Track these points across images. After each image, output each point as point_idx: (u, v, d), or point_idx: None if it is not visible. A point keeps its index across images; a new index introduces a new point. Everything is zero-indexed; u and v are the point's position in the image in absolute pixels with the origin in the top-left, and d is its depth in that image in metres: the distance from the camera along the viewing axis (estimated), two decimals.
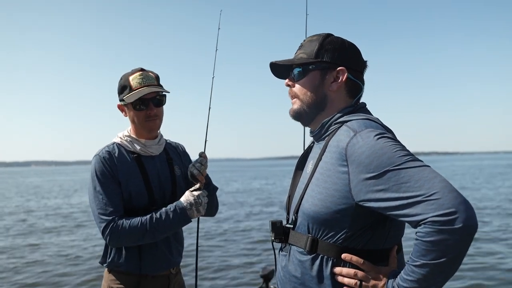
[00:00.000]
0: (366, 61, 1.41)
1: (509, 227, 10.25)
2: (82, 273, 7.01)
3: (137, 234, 1.79)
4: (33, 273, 7.12)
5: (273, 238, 1.38)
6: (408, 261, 1.12)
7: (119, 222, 1.79)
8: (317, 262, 1.25)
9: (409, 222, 1.09)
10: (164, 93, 1.97)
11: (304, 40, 1.43)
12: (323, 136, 1.36)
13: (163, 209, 1.86)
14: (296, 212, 1.33)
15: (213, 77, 2.35)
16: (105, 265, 1.95)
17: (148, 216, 1.82)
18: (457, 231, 1.00)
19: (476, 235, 1.06)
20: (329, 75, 1.36)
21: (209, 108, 2.31)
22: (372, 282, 1.20)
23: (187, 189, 1.96)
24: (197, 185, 1.94)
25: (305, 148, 1.54)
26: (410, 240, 1.18)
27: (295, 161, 1.53)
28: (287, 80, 1.43)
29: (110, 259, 1.92)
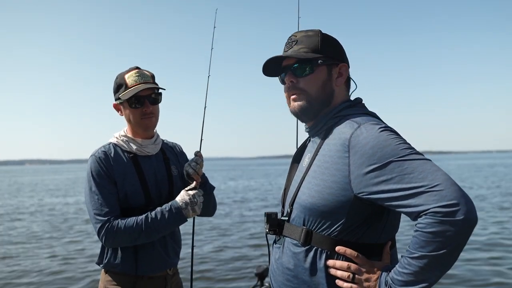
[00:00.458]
0: None
1: None
2: (79, 273, 6.98)
3: (132, 234, 1.78)
4: (31, 274, 7.08)
5: (267, 230, 1.38)
6: (403, 255, 1.13)
7: (114, 222, 1.78)
8: (311, 254, 1.25)
9: (409, 213, 1.09)
10: (159, 91, 1.97)
11: (295, 36, 1.39)
12: (320, 130, 1.36)
13: (158, 208, 1.85)
14: (292, 204, 1.33)
15: (208, 76, 2.33)
16: (101, 265, 1.94)
17: (143, 216, 1.81)
18: (458, 222, 1.01)
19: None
20: (333, 71, 1.37)
21: (205, 107, 2.30)
22: (365, 275, 1.20)
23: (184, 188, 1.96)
24: (193, 184, 1.93)
25: (299, 145, 1.54)
26: (400, 240, 1.18)
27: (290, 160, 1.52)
28: (288, 76, 1.37)
29: (106, 259, 1.91)
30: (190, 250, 2.18)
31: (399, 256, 1.25)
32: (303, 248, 1.26)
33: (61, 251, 8.67)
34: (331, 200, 1.21)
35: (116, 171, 1.88)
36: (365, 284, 1.19)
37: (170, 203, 1.88)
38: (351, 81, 1.43)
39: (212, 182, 2.17)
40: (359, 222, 1.22)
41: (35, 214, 15.30)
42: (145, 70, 2.00)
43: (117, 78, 1.97)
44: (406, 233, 7.68)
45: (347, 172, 1.18)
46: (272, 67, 1.42)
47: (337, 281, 1.22)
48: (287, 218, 1.35)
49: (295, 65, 1.35)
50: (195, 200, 1.88)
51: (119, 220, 1.79)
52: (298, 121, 1.98)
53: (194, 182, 1.94)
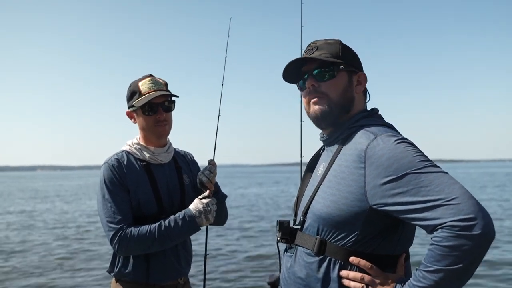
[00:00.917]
0: None
1: None
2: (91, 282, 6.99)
3: (146, 242, 1.77)
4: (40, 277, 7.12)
5: (279, 238, 1.37)
6: (418, 267, 1.10)
7: (127, 230, 1.77)
8: (324, 264, 1.23)
9: (425, 226, 1.08)
10: (173, 99, 1.98)
11: (315, 43, 1.39)
12: (336, 140, 1.35)
13: (172, 217, 1.84)
14: (305, 213, 1.32)
15: (222, 85, 2.32)
16: (112, 274, 1.93)
17: (156, 224, 1.80)
18: (475, 237, 1.00)
19: None
20: (354, 78, 1.37)
21: (218, 115, 2.29)
22: (379, 287, 1.18)
23: (196, 197, 1.94)
24: (206, 193, 1.92)
25: (303, 153, 1.53)
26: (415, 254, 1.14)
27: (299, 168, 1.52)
28: (310, 81, 1.35)
29: (117, 268, 1.90)
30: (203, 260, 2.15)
31: (412, 269, 1.23)
32: (317, 258, 1.25)
33: (70, 258, 8.70)
34: (347, 211, 1.19)
35: (129, 179, 1.88)
36: None
37: (183, 211, 1.87)
38: (367, 93, 1.44)
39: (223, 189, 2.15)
40: (374, 234, 1.21)
41: (47, 221, 15.41)
42: (159, 78, 2.01)
43: (130, 85, 1.97)
44: (417, 248, 7.55)
45: (363, 183, 1.17)
46: (291, 72, 1.41)
47: None
48: (300, 227, 1.34)
49: (317, 70, 1.35)
50: (209, 208, 1.87)
51: (132, 228, 1.79)
52: (302, 129, 1.96)
53: (208, 191, 1.93)
